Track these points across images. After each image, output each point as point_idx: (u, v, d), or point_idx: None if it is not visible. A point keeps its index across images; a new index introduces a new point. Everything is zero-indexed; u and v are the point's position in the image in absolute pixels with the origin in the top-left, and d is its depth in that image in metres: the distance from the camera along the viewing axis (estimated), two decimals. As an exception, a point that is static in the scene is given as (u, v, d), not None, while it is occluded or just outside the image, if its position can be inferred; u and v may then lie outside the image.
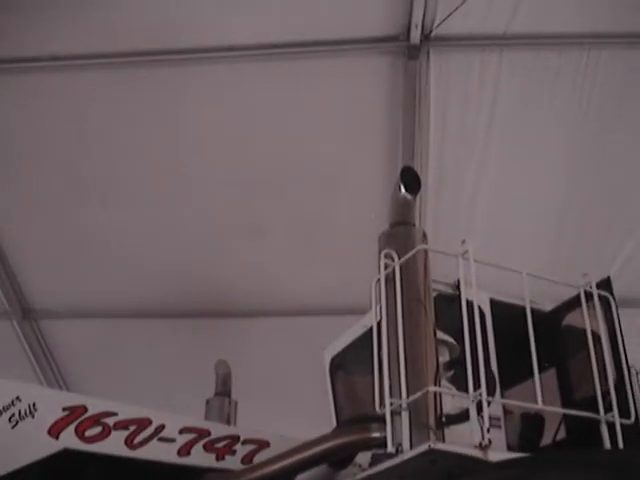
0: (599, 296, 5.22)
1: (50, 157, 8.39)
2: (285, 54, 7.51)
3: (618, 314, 5.27)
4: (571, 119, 7.79)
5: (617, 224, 8.66)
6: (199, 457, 5.29)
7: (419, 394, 4.40)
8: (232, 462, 5.37)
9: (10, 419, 4.99)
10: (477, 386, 4.33)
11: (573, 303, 5.40)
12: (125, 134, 8.17)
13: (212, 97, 7.84)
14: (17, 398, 5.00)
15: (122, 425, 5.14)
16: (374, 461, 4.72)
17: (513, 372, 5.20)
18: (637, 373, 5.60)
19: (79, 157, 8.38)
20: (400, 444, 4.38)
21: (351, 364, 6.28)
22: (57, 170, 8.54)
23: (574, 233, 8.68)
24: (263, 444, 5.47)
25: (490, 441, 4.22)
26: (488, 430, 4.24)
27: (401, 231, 5.23)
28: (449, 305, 4.90)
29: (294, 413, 9.46)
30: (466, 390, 4.37)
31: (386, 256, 4.92)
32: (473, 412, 4.32)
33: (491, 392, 4.64)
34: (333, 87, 7.71)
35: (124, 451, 5.10)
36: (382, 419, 4.46)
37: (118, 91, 7.85)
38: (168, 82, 7.79)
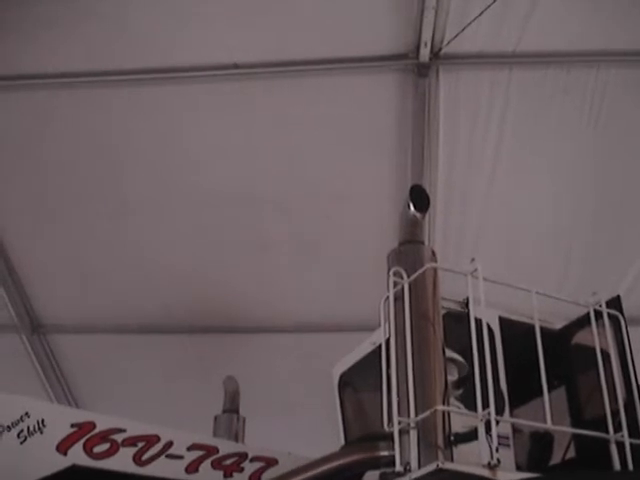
0: (609, 315, 5.21)
1: (58, 173, 8.42)
2: (292, 72, 7.52)
3: (628, 333, 5.26)
4: (580, 137, 7.78)
5: (627, 242, 8.62)
6: (207, 474, 5.28)
7: (427, 413, 4.40)
8: (240, 480, 5.36)
9: (19, 435, 4.99)
10: (486, 405, 4.32)
11: (582, 322, 5.39)
12: (131, 150, 8.20)
13: (217, 114, 7.86)
14: (26, 414, 5.01)
15: (130, 442, 5.14)
16: (383, 480, 4.73)
17: (522, 390, 5.19)
18: (646, 392, 5.58)
19: (87, 173, 8.40)
20: (408, 463, 4.37)
21: (360, 381, 6.26)
22: (66, 186, 8.57)
23: (583, 251, 8.65)
24: (271, 462, 5.47)
25: (499, 460, 4.21)
26: (497, 449, 4.23)
27: (410, 249, 5.23)
28: (458, 323, 4.90)
29: (302, 430, 9.44)
30: (475, 409, 4.36)
31: (395, 274, 4.93)
32: (482, 431, 4.31)
33: (500, 411, 4.63)
34: (341, 105, 7.71)
35: (132, 468, 5.10)
36: (390, 438, 4.46)
37: (124, 108, 7.88)
38: (174, 100, 7.81)
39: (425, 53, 7.23)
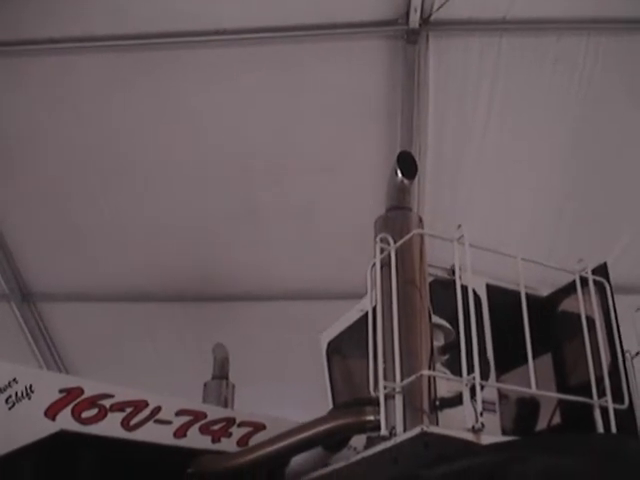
0: (595, 282, 5.22)
1: (48, 141, 8.37)
2: (282, 37, 7.46)
3: (614, 300, 5.28)
4: (570, 104, 7.76)
5: (616, 211, 8.64)
6: (195, 439, 5.29)
7: (413, 377, 4.42)
8: (228, 444, 5.37)
9: (7, 401, 5.01)
10: (471, 370, 4.35)
11: (569, 289, 5.41)
12: (121, 117, 8.15)
13: (208, 81, 7.83)
14: (14, 380, 5.01)
15: (118, 407, 5.14)
16: (369, 444, 4.75)
17: (509, 357, 5.22)
18: (632, 359, 5.62)
19: (76, 141, 8.37)
20: (394, 427, 4.40)
21: (347, 348, 6.30)
22: (55, 154, 8.54)
23: (573, 220, 8.68)
24: (259, 426, 5.48)
25: (483, 425, 4.24)
26: (481, 414, 4.27)
27: (397, 215, 5.22)
28: (447, 290, 4.91)
29: (291, 396, 9.50)
30: (460, 374, 4.39)
31: (382, 240, 4.92)
32: (467, 396, 4.34)
33: (485, 376, 4.66)
34: (330, 71, 7.67)
35: (120, 433, 5.10)
36: (376, 402, 4.48)
37: (112, 75, 7.83)
38: (162, 66, 7.77)
39: (415, 19, 7.18)
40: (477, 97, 7.70)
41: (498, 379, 5.27)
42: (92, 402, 5.09)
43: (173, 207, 8.92)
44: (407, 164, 5.36)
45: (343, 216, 8.66)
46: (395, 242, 4.90)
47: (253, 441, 5.40)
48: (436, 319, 5.01)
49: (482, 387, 4.37)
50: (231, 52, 7.66)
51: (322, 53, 7.61)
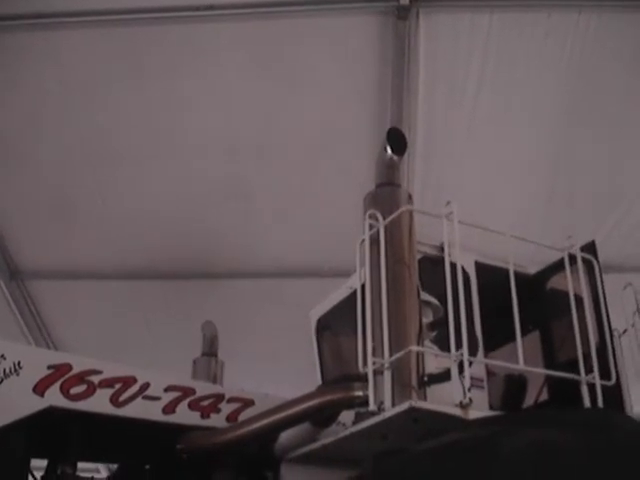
0: (583, 259, 5.24)
1: (35, 117, 8.29)
2: (271, 13, 7.39)
3: (602, 277, 5.29)
4: (561, 81, 7.73)
5: (607, 189, 8.64)
6: (184, 415, 5.31)
7: (401, 353, 4.44)
8: (217, 420, 5.39)
9: (-5, 377, 5.00)
10: (459, 346, 4.36)
11: (557, 266, 5.43)
12: (110, 94, 8.07)
13: (197, 57, 7.75)
14: (2, 356, 4.97)
15: (107, 383, 5.14)
16: (358, 420, 4.77)
17: (498, 334, 5.23)
18: (619, 336, 5.65)
19: (65, 118, 8.28)
20: (382, 402, 4.43)
21: (337, 325, 6.31)
22: (43, 131, 8.46)
23: (564, 198, 8.67)
24: (248, 402, 5.50)
25: (471, 400, 4.27)
26: (469, 389, 4.29)
27: (386, 192, 5.22)
28: (435, 267, 4.91)
29: (280, 373, 9.53)
30: (448, 350, 4.40)
31: (371, 217, 4.92)
32: (455, 371, 4.36)
33: (473, 352, 4.68)
34: (320, 48, 7.61)
35: (109, 409, 5.11)
36: (365, 378, 4.50)
37: (101, 50, 7.74)
38: (150, 41, 7.68)
39: (406, -6, 7.13)
40: (467, 74, 7.65)
41: (486, 356, 5.28)
42: (81, 378, 5.08)
43: (164, 186, 8.87)
44: (397, 140, 5.36)
45: (331, 194, 8.63)
46: (384, 218, 4.89)
47: (242, 417, 5.42)
48: (425, 296, 5.02)
49: (470, 363, 4.40)
50: (220, 28, 7.58)
51: (311, 29, 7.54)
